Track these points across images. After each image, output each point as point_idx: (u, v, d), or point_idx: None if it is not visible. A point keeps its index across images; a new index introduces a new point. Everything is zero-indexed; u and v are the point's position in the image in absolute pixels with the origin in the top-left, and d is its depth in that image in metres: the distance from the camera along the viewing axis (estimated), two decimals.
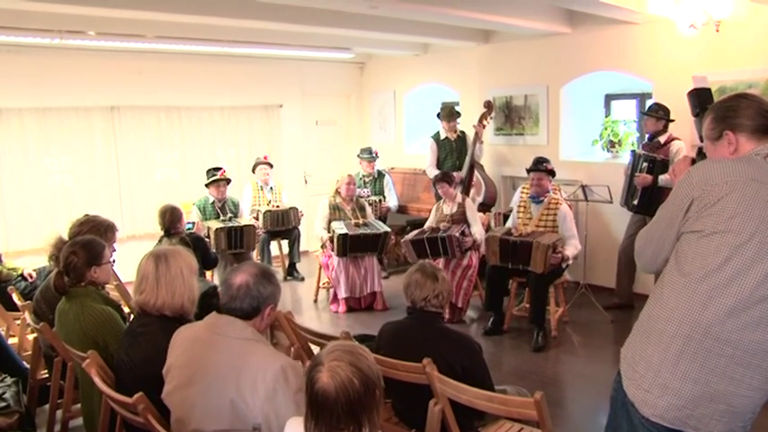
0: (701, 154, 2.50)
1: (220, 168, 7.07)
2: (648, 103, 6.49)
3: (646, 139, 6.12)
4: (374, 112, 9.66)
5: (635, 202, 5.85)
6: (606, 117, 7.43)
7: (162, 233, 5.35)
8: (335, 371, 1.74)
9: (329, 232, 6.63)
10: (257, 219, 7.36)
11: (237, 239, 6.65)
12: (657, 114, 5.92)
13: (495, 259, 5.65)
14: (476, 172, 7.35)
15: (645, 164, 5.80)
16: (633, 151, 6.06)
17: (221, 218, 6.93)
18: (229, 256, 6.61)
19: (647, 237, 2.21)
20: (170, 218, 5.26)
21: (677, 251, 2.06)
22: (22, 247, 6.74)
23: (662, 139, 5.93)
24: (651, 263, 2.20)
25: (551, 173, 5.96)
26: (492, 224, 7.04)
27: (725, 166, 1.98)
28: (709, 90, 4.58)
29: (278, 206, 7.64)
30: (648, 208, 5.69)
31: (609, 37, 6.71)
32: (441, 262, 5.99)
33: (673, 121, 5.92)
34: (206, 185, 7.02)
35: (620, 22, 6.40)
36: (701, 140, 2.22)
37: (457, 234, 5.98)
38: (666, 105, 5.95)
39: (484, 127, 7.42)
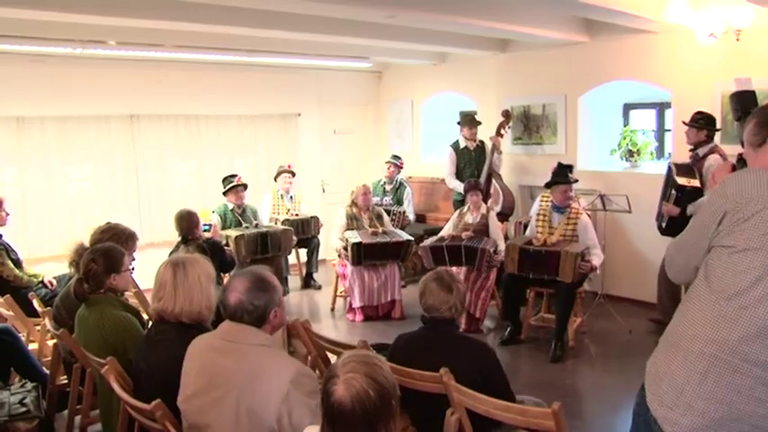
0: (741, 161, 2.41)
1: (236, 175, 7.09)
2: (668, 112, 6.43)
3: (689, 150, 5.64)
4: (392, 121, 9.68)
5: (663, 225, 5.58)
6: (625, 126, 7.39)
7: (179, 239, 5.36)
8: (351, 383, 1.72)
9: (344, 241, 6.62)
10: None
11: (269, 245, 6.69)
12: (698, 124, 5.36)
13: (512, 267, 5.60)
14: (494, 181, 7.35)
15: (674, 192, 5.34)
16: (669, 164, 5.61)
17: (245, 225, 6.93)
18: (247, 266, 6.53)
19: (678, 246, 2.16)
20: (187, 224, 5.26)
21: (707, 265, 1.99)
22: (42, 253, 6.78)
23: (702, 151, 5.37)
24: (681, 273, 2.14)
25: (575, 181, 5.96)
26: (512, 233, 7.01)
27: (760, 178, 1.90)
28: (753, 93, 4.40)
29: (297, 215, 7.65)
30: (675, 233, 5.48)
31: (627, 46, 6.68)
32: (461, 271, 5.97)
33: (718, 130, 5.46)
34: (224, 193, 7.03)
35: (639, 30, 6.36)
36: (743, 146, 2.13)
37: (491, 249, 5.96)
38: (710, 113, 5.49)
39: (502, 136, 7.42)
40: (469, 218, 6.42)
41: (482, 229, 6.31)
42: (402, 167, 8.13)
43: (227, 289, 2.36)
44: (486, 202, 7.04)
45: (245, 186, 7.07)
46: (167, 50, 6.94)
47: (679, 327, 2.02)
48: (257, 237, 6.67)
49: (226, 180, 7.04)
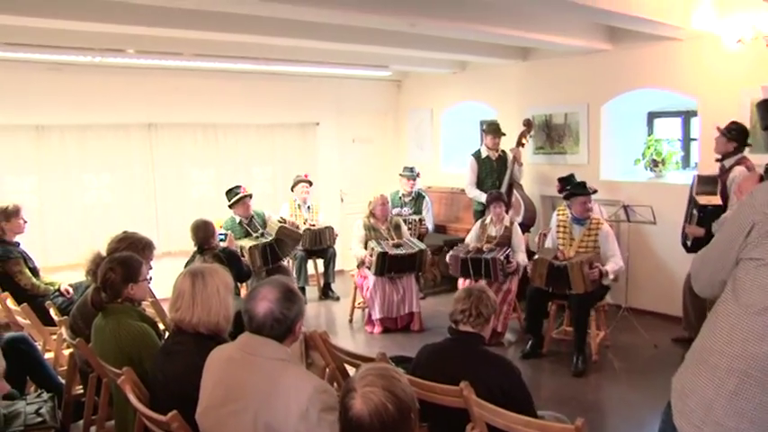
0: None
1: (239, 186, 7.07)
2: (694, 120, 6.35)
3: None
4: (411, 131, 9.70)
5: (689, 244, 5.52)
6: (649, 136, 7.33)
7: (195, 249, 5.38)
8: (369, 396, 1.72)
9: (369, 250, 6.63)
10: None
11: (274, 252, 6.68)
12: (730, 134, 5.30)
13: (540, 282, 5.61)
14: (515, 192, 7.36)
15: (695, 212, 5.24)
16: (694, 177, 5.61)
17: (254, 236, 6.93)
18: (264, 274, 6.57)
19: (704, 259, 2.13)
20: (203, 233, 5.27)
21: (735, 279, 1.95)
22: (59, 262, 6.84)
23: (728, 162, 5.33)
24: (708, 287, 2.11)
25: (594, 192, 5.94)
26: (534, 244, 6.93)
27: None
28: None
29: (314, 225, 7.66)
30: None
31: (651, 53, 6.63)
32: (483, 283, 5.90)
33: (749, 145, 5.38)
34: (230, 206, 7.01)
35: (663, 38, 6.30)
36: None
37: (501, 258, 5.98)
38: (745, 126, 5.42)
39: (523, 146, 7.43)
40: (492, 230, 6.44)
41: (505, 242, 6.31)
42: (419, 176, 8.14)
43: (253, 297, 2.34)
44: (506, 211, 7.01)
45: (250, 196, 7.07)
46: (185, 59, 7.00)
47: (706, 342, 1.98)
48: (265, 246, 6.68)
49: (231, 192, 7.02)
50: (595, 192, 6.04)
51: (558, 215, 6.02)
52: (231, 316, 2.74)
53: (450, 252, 6.33)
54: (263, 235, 6.91)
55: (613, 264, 5.57)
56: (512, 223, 6.46)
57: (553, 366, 5.60)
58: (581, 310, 5.47)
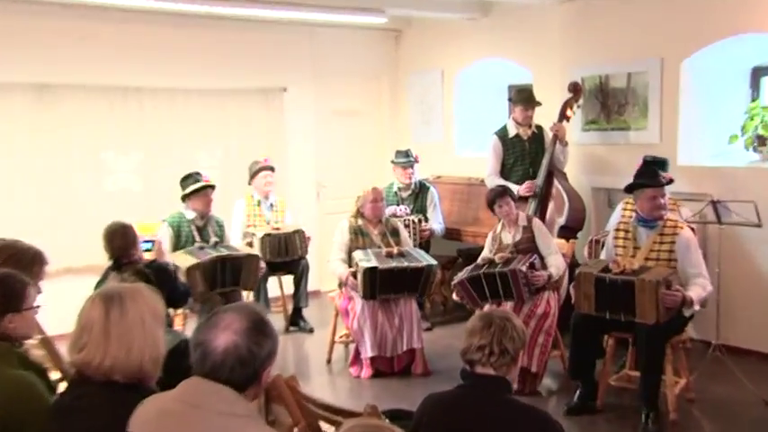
0: None
1: (200, 173, 7.10)
2: None
3: None
4: (414, 100, 9.70)
5: None
6: (753, 101, 7.29)
7: (109, 264, 5.33)
8: None
9: (350, 265, 6.65)
10: (251, 246, 7.40)
11: (232, 273, 6.66)
12: None
13: (587, 306, 5.53)
14: (555, 182, 7.38)
15: None
16: None
17: (198, 243, 6.90)
18: (217, 297, 6.56)
19: None
20: (121, 242, 5.22)
21: None
22: None
23: None
24: None
25: (669, 182, 5.90)
26: (584, 256, 6.96)
27: None
28: None
29: (278, 228, 7.68)
30: None
31: None
32: (507, 307, 6.00)
33: None
34: (184, 198, 7.02)
35: None
36: None
37: (522, 267, 5.95)
38: None
39: (568, 120, 7.42)
40: (506, 237, 6.48)
41: (528, 247, 6.36)
42: (417, 161, 8.22)
43: (213, 326, 2.35)
44: (544, 212, 7.28)
45: (213, 187, 7.08)
46: None
47: None
48: (215, 262, 6.61)
49: (188, 179, 7.05)
50: (671, 182, 5.94)
51: (624, 211, 6.08)
52: (161, 356, 2.73)
53: (455, 279, 6.37)
54: (216, 247, 6.89)
55: (699, 288, 5.49)
56: (531, 220, 6.51)
57: (613, 427, 5.58)
58: (652, 348, 5.36)
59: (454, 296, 6.45)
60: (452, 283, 6.43)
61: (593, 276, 5.48)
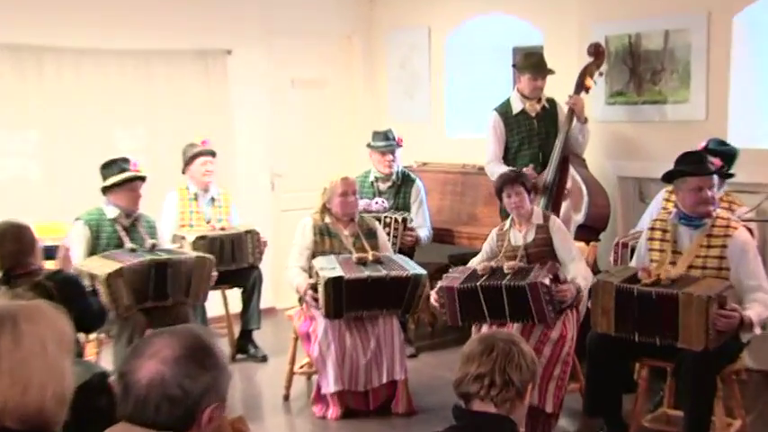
0: None
1: (127, 159, 6.92)
2: None
3: None
4: (394, 66, 9.68)
5: None
6: None
7: None
8: None
9: (311, 275, 6.48)
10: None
11: (167, 283, 6.52)
12: None
13: (606, 324, 5.36)
14: (572, 170, 7.31)
15: None
16: None
17: (129, 246, 6.72)
18: (140, 315, 6.38)
19: None
20: (13, 247, 5.04)
21: None
22: None
23: None
24: None
25: (724, 175, 5.87)
26: (609, 262, 6.82)
27: None
28: None
29: (223, 229, 7.55)
30: None
31: None
32: (512, 329, 5.82)
33: None
34: (104, 190, 6.85)
35: None
36: None
37: (545, 280, 5.72)
38: None
39: (587, 91, 7.32)
40: (515, 237, 6.37)
41: (542, 253, 6.25)
42: (400, 145, 8.13)
43: (137, 354, 2.36)
44: (557, 206, 7.23)
45: (143, 180, 6.93)
46: None
47: None
48: (150, 268, 6.44)
49: (111, 167, 6.88)
50: (721, 170, 5.85)
51: (667, 202, 6.21)
52: (68, 393, 2.55)
53: (441, 282, 6.22)
54: (153, 251, 6.72)
55: (758, 305, 5.29)
56: (548, 218, 6.39)
57: None
58: (698, 381, 5.17)
59: (432, 299, 6.27)
60: (437, 286, 6.22)
61: (613, 287, 5.33)
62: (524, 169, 7.02)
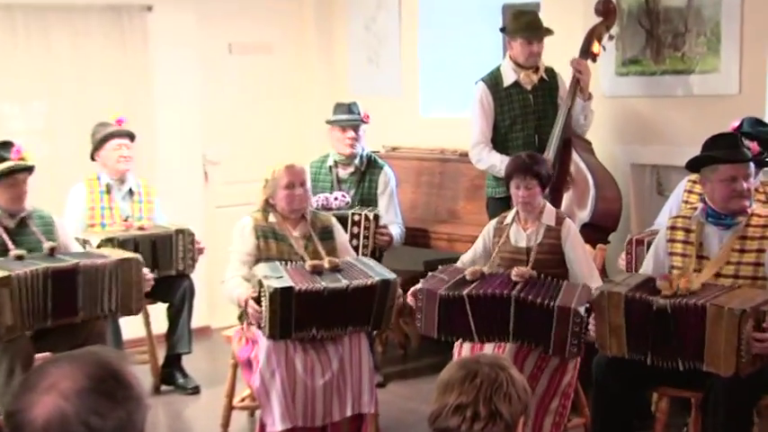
0: None
1: (10, 143, 6.72)
2: None
3: None
4: (357, 30, 9.77)
5: None
6: None
7: None
8: None
9: (253, 285, 6.33)
10: None
11: (77, 295, 6.38)
12: None
13: (617, 346, 5.37)
14: (575, 156, 7.35)
15: None
16: None
17: (15, 252, 6.54)
18: (25, 339, 6.33)
19: None
20: None
21: None
22: None
23: None
24: None
25: (762, 163, 5.91)
26: (621, 266, 6.75)
27: None
28: None
29: (143, 228, 7.50)
30: None
31: None
32: (504, 350, 5.91)
33: None
34: None
35: None
36: None
37: (581, 309, 5.65)
38: None
39: (594, 59, 7.34)
40: (519, 237, 6.32)
41: (552, 261, 6.20)
42: (366, 121, 8.06)
43: (30, 387, 2.26)
44: (558, 198, 7.23)
45: (30, 170, 6.76)
46: None
47: None
48: (45, 278, 6.28)
49: None
50: (760, 157, 5.84)
51: (690, 194, 6.28)
52: None
53: (421, 282, 6.20)
54: (51, 253, 6.61)
55: None
56: (560, 221, 6.34)
57: None
58: (731, 413, 5.19)
59: (408, 299, 6.27)
60: (414, 287, 6.19)
61: (621, 298, 5.28)
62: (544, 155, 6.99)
